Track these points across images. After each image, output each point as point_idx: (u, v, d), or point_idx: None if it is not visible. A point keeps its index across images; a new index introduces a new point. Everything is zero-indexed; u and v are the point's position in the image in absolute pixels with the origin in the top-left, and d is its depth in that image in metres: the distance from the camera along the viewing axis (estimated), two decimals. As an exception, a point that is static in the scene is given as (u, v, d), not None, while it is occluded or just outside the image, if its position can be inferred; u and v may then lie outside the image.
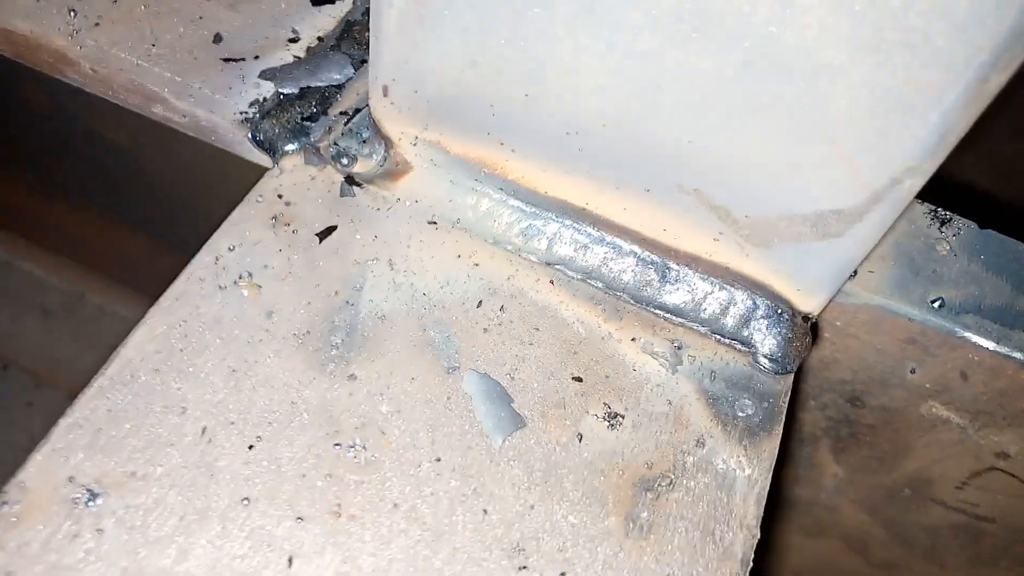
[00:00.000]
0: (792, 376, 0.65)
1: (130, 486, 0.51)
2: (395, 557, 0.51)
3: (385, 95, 0.63)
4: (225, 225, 0.63)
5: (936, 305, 0.76)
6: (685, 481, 0.57)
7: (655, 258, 0.65)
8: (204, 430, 0.54)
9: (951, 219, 0.82)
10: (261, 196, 0.65)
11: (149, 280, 1.28)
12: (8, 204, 1.30)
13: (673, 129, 0.55)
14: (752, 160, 0.54)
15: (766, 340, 0.64)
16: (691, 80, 0.51)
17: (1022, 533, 0.98)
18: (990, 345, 0.75)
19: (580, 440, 0.58)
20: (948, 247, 0.80)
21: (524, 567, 0.52)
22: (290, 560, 0.49)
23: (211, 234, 0.63)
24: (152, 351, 0.56)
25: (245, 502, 0.51)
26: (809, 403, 0.92)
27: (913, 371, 0.82)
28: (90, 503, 0.50)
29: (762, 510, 0.57)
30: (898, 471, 0.96)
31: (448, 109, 0.62)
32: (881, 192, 0.53)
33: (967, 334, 0.75)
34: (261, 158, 0.70)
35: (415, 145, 0.66)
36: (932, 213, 0.82)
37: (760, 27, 0.47)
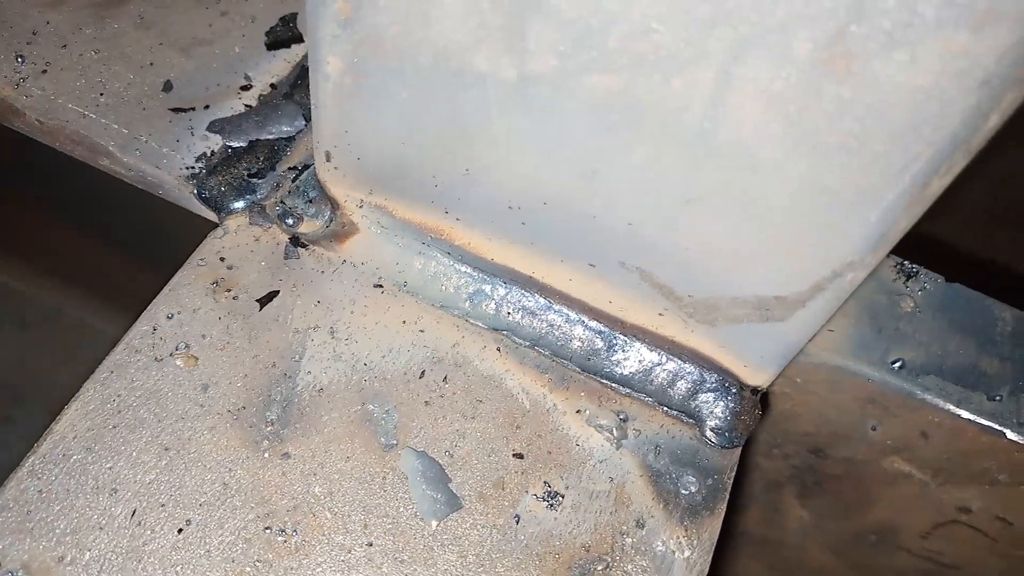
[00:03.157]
0: (739, 450, 0.64)
1: (57, 571, 0.50)
2: (320, 650, 0.50)
3: (328, 160, 0.61)
4: (165, 291, 0.62)
5: (896, 366, 0.75)
6: (623, 564, 0.56)
7: (602, 328, 0.64)
8: (134, 512, 0.53)
9: (918, 272, 0.81)
10: (203, 259, 0.64)
11: (126, 295, 1.27)
12: None
13: (612, 211, 0.54)
14: (692, 245, 0.53)
15: (713, 413, 0.63)
16: (626, 167, 0.50)
17: (987, 581, 0.97)
18: (950, 407, 0.75)
19: (517, 522, 0.57)
20: (913, 303, 0.79)
21: (453, 659, 0.51)
22: (211, 656, 0.49)
23: (151, 299, 0.62)
24: (85, 428, 0.55)
25: (171, 592, 0.50)
26: (772, 451, 0.92)
27: (874, 428, 0.81)
28: (8, 595, 0.49)
29: (699, 594, 0.57)
30: (864, 519, 0.95)
31: (392, 177, 0.61)
32: (823, 283, 0.51)
33: (927, 396, 0.75)
34: (209, 213, 0.69)
35: (361, 208, 0.64)
36: (899, 266, 0.81)
37: (694, 122, 0.46)
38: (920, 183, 0.44)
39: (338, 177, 0.63)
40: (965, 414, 0.74)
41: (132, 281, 1.27)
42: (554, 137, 0.51)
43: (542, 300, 0.64)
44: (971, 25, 0.36)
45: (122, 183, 0.85)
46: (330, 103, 0.57)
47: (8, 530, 0.51)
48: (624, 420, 0.63)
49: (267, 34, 0.80)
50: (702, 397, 0.63)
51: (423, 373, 0.62)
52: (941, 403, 0.74)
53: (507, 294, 0.64)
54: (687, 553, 0.58)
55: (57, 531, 0.52)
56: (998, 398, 0.75)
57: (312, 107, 0.59)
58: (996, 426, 0.75)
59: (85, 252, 1.28)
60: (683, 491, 0.60)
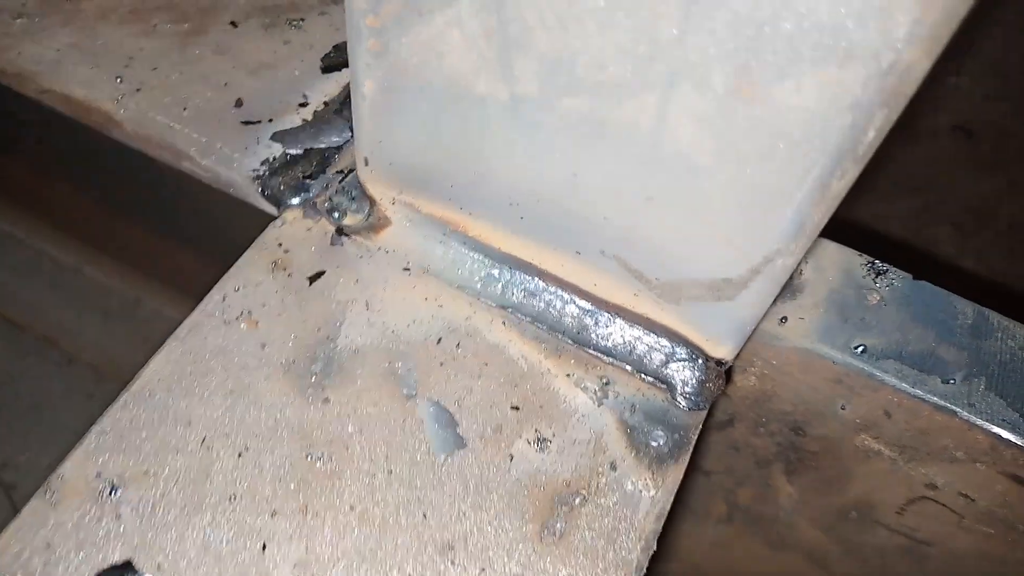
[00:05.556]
0: (704, 412, 0.75)
1: (143, 482, 0.65)
2: (347, 549, 0.63)
3: (366, 164, 0.75)
4: (233, 269, 0.77)
5: (859, 351, 0.85)
6: (597, 498, 0.68)
7: (590, 307, 0.76)
8: (204, 439, 0.67)
9: (887, 271, 0.91)
10: (264, 244, 0.78)
11: (196, 287, 1.44)
12: (79, 218, 1.46)
13: (590, 208, 0.66)
14: (654, 235, 0.65)
15: (682, 380, 0.75)
16: (598, 171, 0.63)
17: (962, 558, 1.06)
18: (906, 387, 0.84)
19: (511, 460, 0.69)
20: (879, 297, 0.89)
21: (452, 562, 0.64)
22: (263, 546, 0.62)
23: (222, 275, 0.76)
24: (167, 373, 0.70)
25: (232, 498, 0.64)
26: (759, 430, 1.02)
27: (843, 407, 0.91)
28: (111, 494, 0.63)
29: (660, 526, 0.68)
30: (844, 495, 1.05)
31: (417, 179, 0.74)
32: (758, 267, 0.63)
33: (885, 377, 0.84)
34: (268, 208, 0.83)
35: (393, 204, 0.78)
36: (869, 265, 0.91)
37: (644, 136, 0.58)
38: (820, 185, 0.55)
39: (374, 179, 0.77)
40: (920, 394, 0.84)
41: (200, 276, 1.43)
42: (541, 147, 0.64)
43: (540, 283, 0.77)
44: (836, 62, 0.48)
45: (191, 189, 1.01)
46: (367, 118, 0.71)
47: (106, 449, 0.66)
48: (606, 384, 0.75)
49: (322, 59, 0.94)
50: (673, 366, 0.75)
51: (440, 340, 0.75)
52: (898, 383, 0.84)
53: (511, 278, 0.77)
54: (652, 492, 0.69)
55: (143, 452, 0.66)
56: (952, 381, 0.85)
57: (353, 120, 0.73)
58: (949, 405, 0.84)
59: (160, 250, 1.44)
60: (652, 443, 0.72)
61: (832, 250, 0.90)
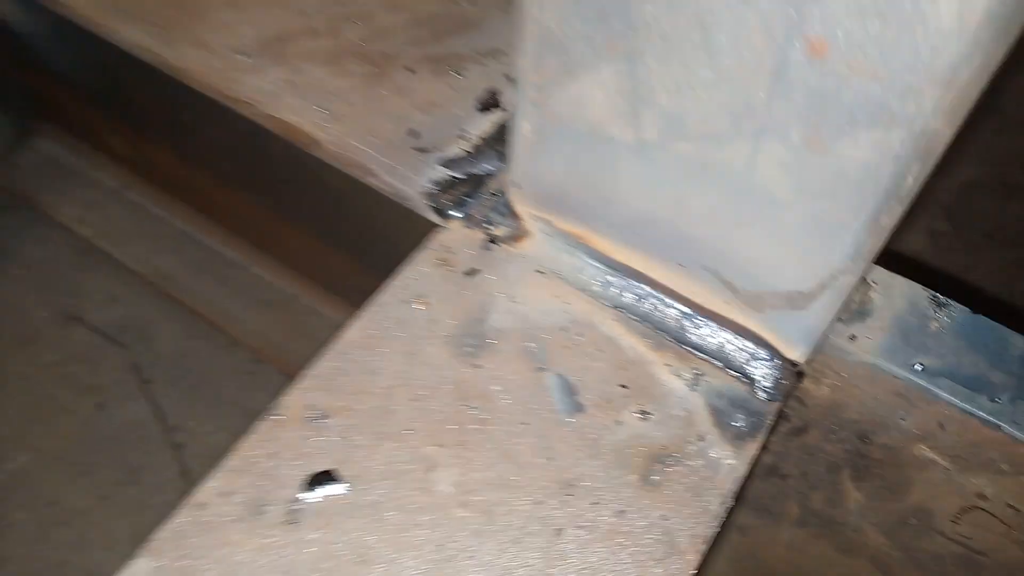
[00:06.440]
0: (778, 404, 0.92)
1: (342, 414, 0.86)
2: (492, 477, 0.83)
3: (516, 188, 0.96)
4: (409, 263, 0.99)
5: (918, 368, 1.00)
6: (686, 460, 0.86)
7: (688, 311, 0.94)
8: (388, 387, 0.88)
9: (947, 304, 1.06)
10: (432, 246, 1.00)
11: (347, 290, 1.67)
12: (248, 222, 1.73)
13: (693, 229, 0.85)
14: (744, 254, 0.84)
15: (761, 375, 0.92)
16: (701, 201, 0.81)
17: (1014, 570, 1.17)
18: (958, 403, 0.98)
19: (619, 425, 0.88)
20: (938, 325, 1.03)
21: (571, 495, 0.83)
22: (430, 468, 0.83)
23: (399, 268, 0.99)
24: (359, 336, 0.92)
25: (409, 431, 0.85)
26: (831, 436, 1.17)
27: (903, 418, 1.05)
28: (319, 420, 0.85)
29: (736, 487, 0.85)
30: (904, 501, 1.18)
31: (554, 201, 0.95)
32: (825, 282, 0.80)
33: (940, 392, 0.99)
34: (435, 218, 1.05)
35: (534, 220, 0.99)
36: (932, 298, 1.06)
37: (737, 175, 0.77)
38: (873, 218, 0.73)
39: (521, 200, 0.98)
40: (970, 408, 0.98)
41: (350, 278, 1.67)
42: (657, 180, 0.83)
43: (648, 289, 0.96)
44: (883, 126, 0.66)
45: (365, 201, 1.24)
46: (521, 152, 0.92)
47: (316, 388, 0.88)
48: (699, 375, 0.93)
49: (478, 101, 1.17)
50: (754, 364, 0.92)
51: (564, 328, 0.95)
52: (950, 398, 0.98)
53: (625, 283, 0.96)
54: (731, 461, 0.87)
55: (343, 392, 0.88)
56: (998, 400, 0.98)
57: (508, 153, 0.94)
58: (995, 420, 0.98)
59: (317, 253, 1.68)
60: (733, 423, 0.89)
61: (900, 283, 1.05)
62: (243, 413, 1.60)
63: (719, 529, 0.83)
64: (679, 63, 0.73)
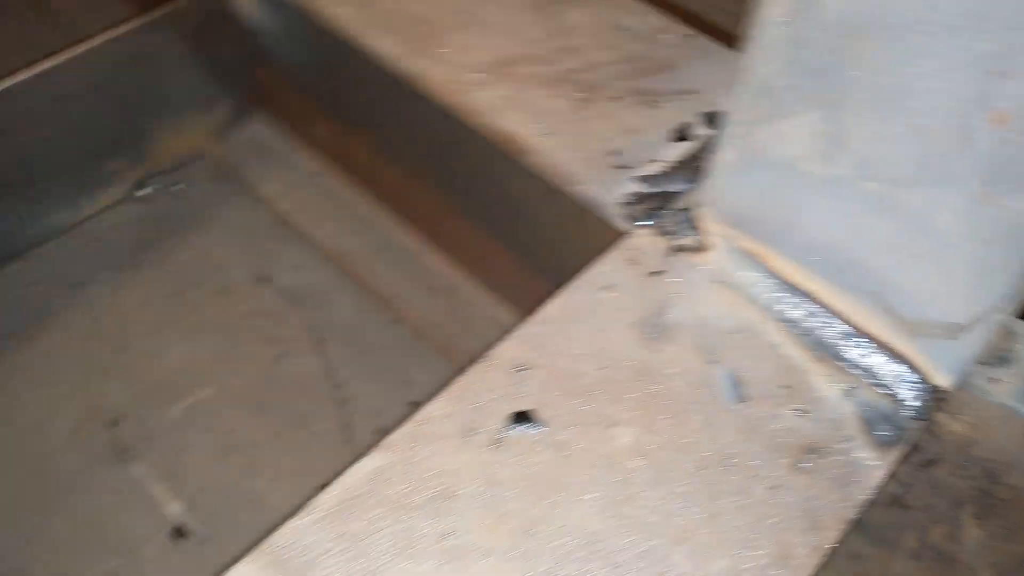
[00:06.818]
0: (921, 422, 1.03)
1: (539, 369, 1.04)
2: (664, 441, 0.98)
3: (705, 207, 1.12)
4: (601, 259, 1.16)
5: (1053, 415, 1.09)
6: (835, 455, 0.99)
7: (848, 330, 1.07)
8: (579, 355, 1.05)
9: (1082, 356, 1.14)
10: (623, 248, 1.17)
11: (506, 287, 1.84)
12: (427, 215, 1.92)
13: (868, 259, 0.98)
14: (911, 285, 0.96)
15: (910, 395, 1.04)
16: (877, 234, 0.95)
17: None
18: (1088, 452, 1.07)
19: (777, 417, 1.02)
20: (1080, 378, 1.12)
21: (729, 467, 0.97)
22: (611, 424, 0.99)
23: (590, 264, 1.16)
24: (557, 312, 1.10)
25: (596, 391, 1.02)
26: (960, 472, 1.26)
27: (1035, 461, 1.14)
28: (521, 371, 1.03)
29: (874, 484, 0.97)
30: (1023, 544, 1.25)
31: (739, 222, 1.10)
32: (980, 317, 0.92)
33: (1073, 440, 1.08)
34: (626, 227, 1.22)
35: (717, 236, 1.14)
36: (1076, 353, 1.14)
37: (915, 216, 0.90)
38: (1034, 264, 0.85)
39: (707, 217, 1.13)
40: (1100, 459, 1.06)
41: (512, 276, 1.83)
42: (839, 212, 0.97)
43: (814, 307, 1.09)
44: (1054, 186, 0.78)
45: (561, 204, 1.40)
46: (718, 176, 1.08)
47: (519, 347, 1.06)
48: (853, 388, 1.05)
49: (672, 132, 1.33)
50: (904, 384, 1.04)
51: (735, 332, 1.09)
52: (1083, 447, 1.07)
53: (795, 300, 1.10)
54: (872, 462, 0.99)
55: (541, 351, 1.05)
56: None
57: (706, 175, 1.10)
58: (1124, 473, 1.06)
59: (486, 249, 1.82)
60: (878, 432, 1.02)
61: (1045, 337, 1.14)
62: (401, 381, 1.78)
63: (858, 517, 0.95)
64: (876, 118, 0.87)
